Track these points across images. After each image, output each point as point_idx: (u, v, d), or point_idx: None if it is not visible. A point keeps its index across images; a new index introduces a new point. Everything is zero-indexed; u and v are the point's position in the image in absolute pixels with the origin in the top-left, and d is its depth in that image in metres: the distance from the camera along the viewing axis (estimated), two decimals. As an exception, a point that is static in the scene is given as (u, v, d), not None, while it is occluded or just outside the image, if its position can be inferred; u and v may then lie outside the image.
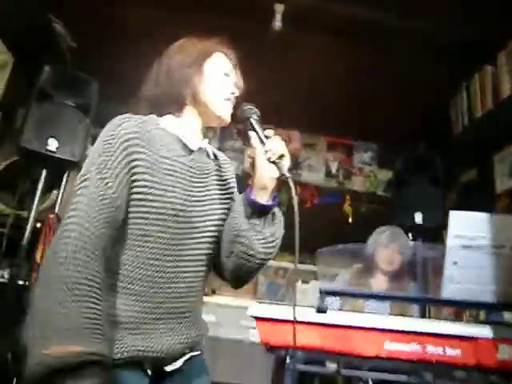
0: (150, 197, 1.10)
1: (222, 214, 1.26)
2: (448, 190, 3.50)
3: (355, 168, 4.56)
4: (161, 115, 1.25)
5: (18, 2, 2.93)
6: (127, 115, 1.17)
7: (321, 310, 1.58)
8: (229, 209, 1.27)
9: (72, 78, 2.86)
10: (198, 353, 1.26)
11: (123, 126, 1.13)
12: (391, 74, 3.38)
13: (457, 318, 3.02)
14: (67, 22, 3.23)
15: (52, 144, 2.63)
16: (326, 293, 1.63)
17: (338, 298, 2.31)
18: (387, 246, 2.46)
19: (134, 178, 1.09)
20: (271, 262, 4.75)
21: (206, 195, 1.24)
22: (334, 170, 4.54)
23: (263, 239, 1.17)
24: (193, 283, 1.20)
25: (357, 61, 3.31)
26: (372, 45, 3.23)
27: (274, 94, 3.63)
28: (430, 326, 1.48)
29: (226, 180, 1.34)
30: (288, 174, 1.12)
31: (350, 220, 4.26)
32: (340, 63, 3.37)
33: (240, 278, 1.27)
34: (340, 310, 2.23)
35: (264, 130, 1.19)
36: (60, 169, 3.03)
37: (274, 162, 1.12)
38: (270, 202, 1.17)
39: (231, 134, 4.50)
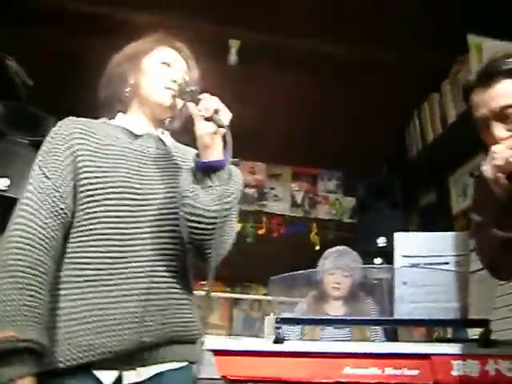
0: (93, 180, 1.11)
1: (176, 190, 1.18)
2: (409, 213, 3.56)
3: (320, 196, 4.57)
4: (113, 118, 1.30)
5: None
6: (71, 117, 1.22)
7: (278, 340, 1.54)
8: None
9: (27, 114, 2.79)
10: (179, 366, 1.12)
11: (65, 123, 1.19)
12: (350, 101, 3.45)
13: (428, 338, 3.01)
14: (27, 59, 3.21)
15: (3, 183, 2.56)
16: (282, 321, 1.59)
17: (296, 329, 2.26)
18: (331, 272, 2.40)
19: (77, 165, 1.12)
20: (246, 296, 4.66)
21: (158, 174, 1.20)
22: (299, 200, 4.55)
23: (214, 195, 1.08)
24: (157, 262, 1.11)
25: (316, 91, 3.37)
26: (329, 75, 3.31)
27: (237, 127, 3.65)
28: (385, 348, 1.47)
29: (183, 163, 1.26)
30: (224, 125, 1.09)
31: (318, 248, 4.24)
32: (299, 93, 3.43)
33: (196, 244, 1.12)
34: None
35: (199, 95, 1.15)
36: (13, 209, 2.94)
37: (209, 119, 1.10)
38: (218, 159, 1.10)
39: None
